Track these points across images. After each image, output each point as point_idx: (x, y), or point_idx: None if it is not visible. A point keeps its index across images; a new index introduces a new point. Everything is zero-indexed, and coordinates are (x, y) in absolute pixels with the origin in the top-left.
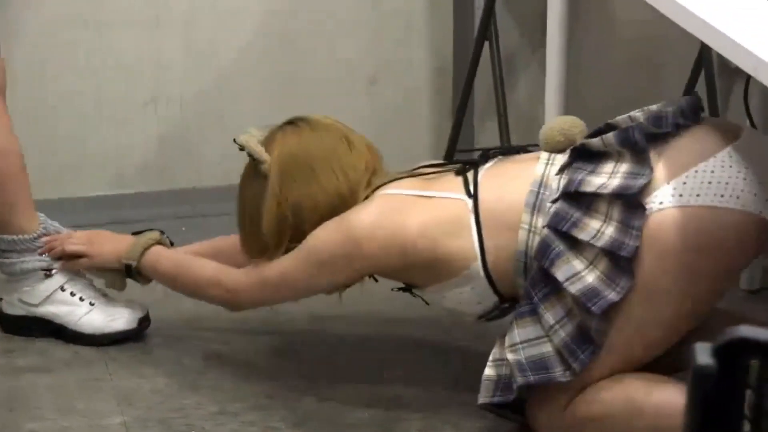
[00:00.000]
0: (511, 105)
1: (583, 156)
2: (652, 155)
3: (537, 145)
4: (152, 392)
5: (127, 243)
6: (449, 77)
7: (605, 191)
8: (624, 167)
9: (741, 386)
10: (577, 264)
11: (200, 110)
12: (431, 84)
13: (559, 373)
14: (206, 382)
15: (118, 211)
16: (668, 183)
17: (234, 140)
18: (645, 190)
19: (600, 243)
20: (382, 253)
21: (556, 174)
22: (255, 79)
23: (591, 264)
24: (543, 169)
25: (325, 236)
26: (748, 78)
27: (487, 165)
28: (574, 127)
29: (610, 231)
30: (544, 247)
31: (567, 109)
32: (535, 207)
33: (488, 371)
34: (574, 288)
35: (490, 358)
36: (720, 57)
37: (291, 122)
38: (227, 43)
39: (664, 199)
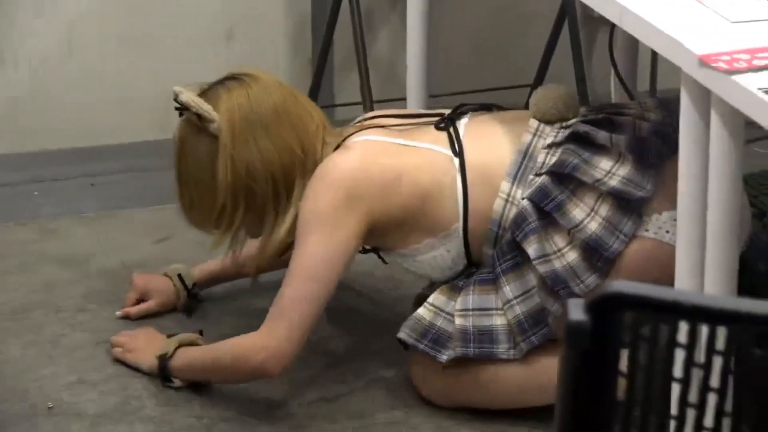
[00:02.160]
0: (372, 58)
1: (579, 140)
2: (652, 174)
3: (497, 106)
4: (7, 363)
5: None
6: (308, 30)
7: (603, 188)
8: (623, 171)
9: (615, 341)
10: (548, 246)
11: (51, 71)
12: (289, 38)
13: (502, 349)
14: (62, 352)
15: None
16: (660, 214)
17: (175, 99)
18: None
19: (582, 235)
20: (376, 193)
21: (544, 148)
22: (109, 36)
23: (561, 251)
24: (530, 139)
25: (315, 195)
26: (613, 27)
27: (464, 121)
28: (571, 104)
29: (593, 226)
30: (521, 220)
31: (428, 62)
32: (516, 178)
33: (422, 311)
34: (542, 268)
35: (429, 300)
36: (583, 6)
37: (234, 78)
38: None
39: (651, 227)
